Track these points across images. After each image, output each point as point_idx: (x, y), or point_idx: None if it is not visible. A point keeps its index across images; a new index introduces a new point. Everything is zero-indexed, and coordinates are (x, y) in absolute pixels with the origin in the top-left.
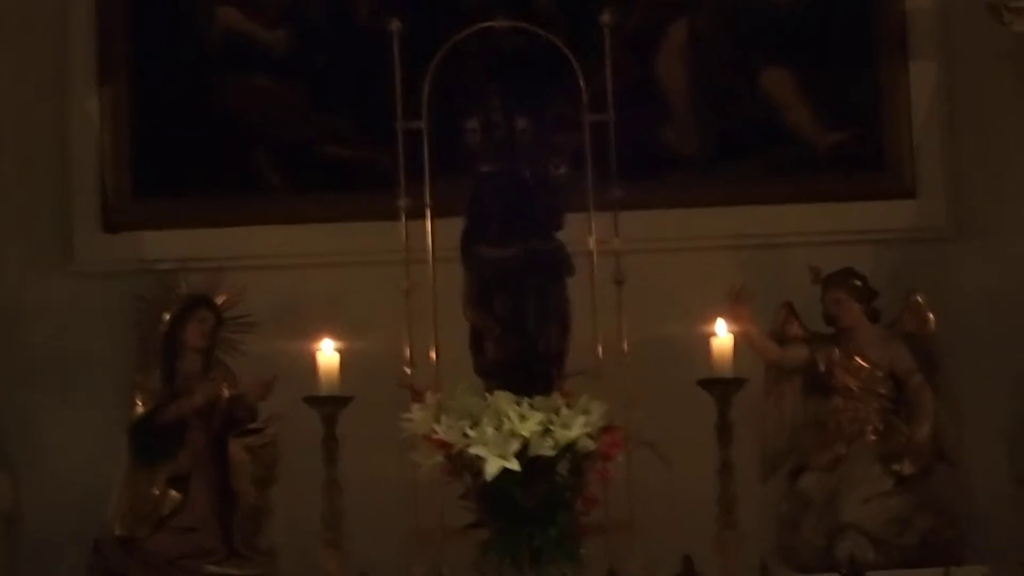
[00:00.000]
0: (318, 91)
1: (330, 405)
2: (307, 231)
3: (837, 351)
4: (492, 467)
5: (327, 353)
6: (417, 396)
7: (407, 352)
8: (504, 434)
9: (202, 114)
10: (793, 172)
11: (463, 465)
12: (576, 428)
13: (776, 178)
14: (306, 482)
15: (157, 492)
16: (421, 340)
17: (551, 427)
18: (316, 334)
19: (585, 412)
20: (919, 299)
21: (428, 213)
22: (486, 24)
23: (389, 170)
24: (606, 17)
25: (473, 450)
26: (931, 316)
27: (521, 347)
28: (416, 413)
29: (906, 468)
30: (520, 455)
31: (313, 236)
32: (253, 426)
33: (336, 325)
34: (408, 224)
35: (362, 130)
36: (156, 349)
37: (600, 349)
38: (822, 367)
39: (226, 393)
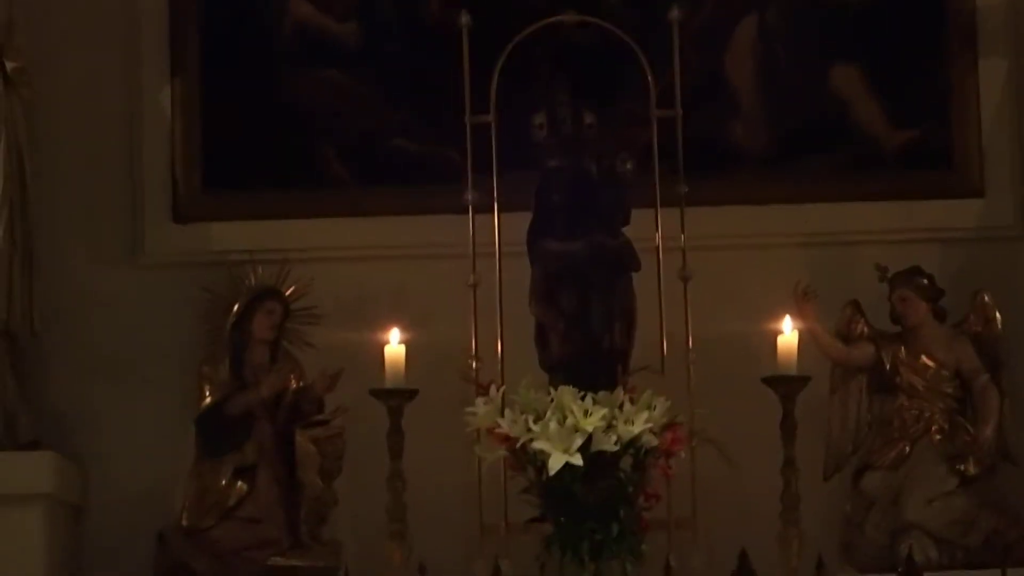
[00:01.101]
0: (387, 85)
1: (396, 398)
2: (373, 224)
3: (903, 350)
4: (555, 462)
5: (393, 345)
6: (481, 390)
7: (472, 346)
8: (567, 429)
9: (271, 107)
10: (861, 170)
11: (526, 460)
12: (639, 424)
13: (843, 175)
14: (371, 475)
15: (223, 483)
16: (486, 334)
17: (614, 423)
18: (382, 327)
19: (649, 408)
20: (986, 299)
21: (495, 207)
22: (555, 19)
23: (456, 164)
24: (674, 13)
25: (536, 445)
26: (998, 316)
27: (586, 342)
28: (480, 407)
29: (971, 468)
30: (583, 450)
31: (379, 229)
32: (319, 418)
33: (402, 318)
34: (475, 218)
35: (430, 124)
36: (224, 340)
37: (665, 345)
38: (888, 366)
39: (293, 385)
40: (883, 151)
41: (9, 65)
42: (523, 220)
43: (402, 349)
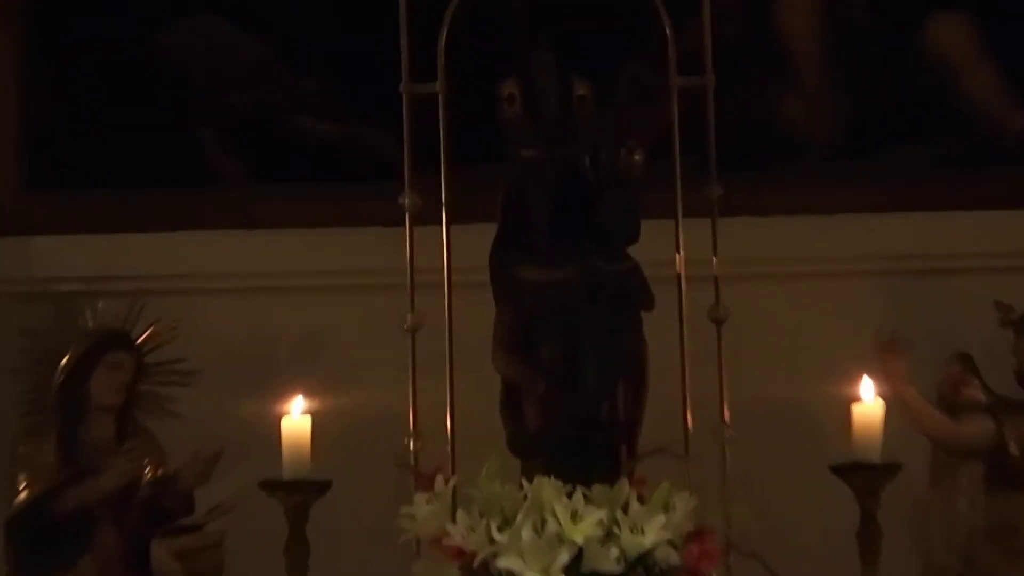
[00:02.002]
0: (291, 43)
1: (298, 493)
2: (271, 240)
3: None
4: None
5: (295, 417)
6: (423, 482)
7: (410, 417)
8: (548, 540)
9: (126, 74)
10: (969, 166)
11: None
12: (652, 532)
13: (944, 175)
14: None
15: None
16: (431, 400)
17: (616, 530)
18: (280, 390)
19: (666, 508)
20: None
21: (444, 216)
22: None
23: (390, 155)
24: None
25: (503, 562)
26: None
27: (575, 412)
28: (422, 506)
29: None
30: (571, 570)
31: (280, 247)
32: (187, 522)
33: (309, 377)
34: (415, 232)
35: (352, 97)
36: (50, 407)
37: (689, 417)
38: (1014, 449)
39: (150, 473)
40: (1001, 140)
41: None
42: (486, 235)
43: (307, 423)
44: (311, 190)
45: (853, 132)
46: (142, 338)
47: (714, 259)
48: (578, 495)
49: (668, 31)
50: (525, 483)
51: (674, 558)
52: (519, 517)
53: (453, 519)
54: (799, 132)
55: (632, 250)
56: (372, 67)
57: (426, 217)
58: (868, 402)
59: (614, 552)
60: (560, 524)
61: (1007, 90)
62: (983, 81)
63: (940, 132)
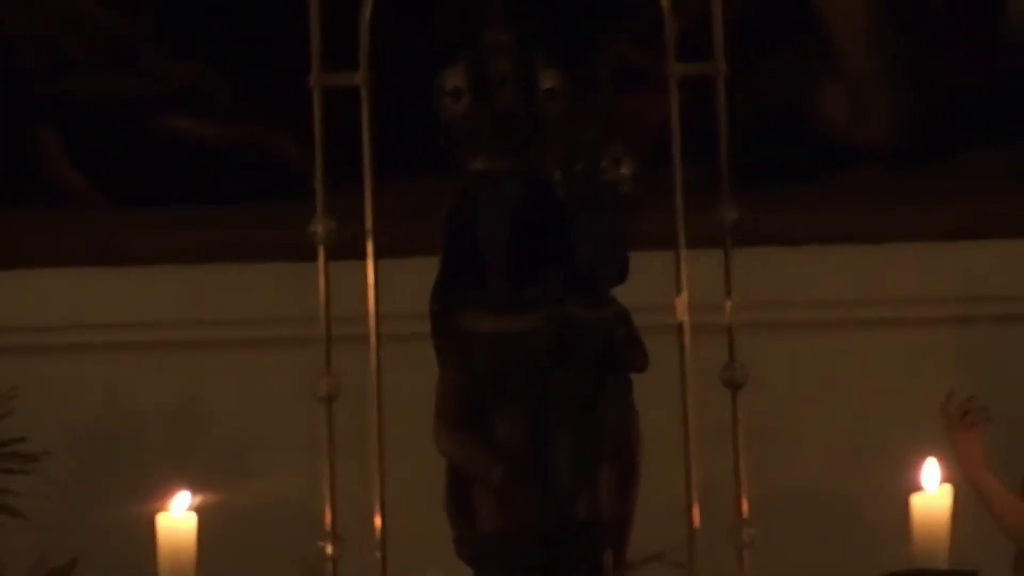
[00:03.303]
0: (164, 17)
1: None
2: (137, 280)
3: None
4: None
5: (176, 516)
6: None
7: (326, 515)
8: None
9: None
10: None
11: None
12: None
13: None
14: None
15: None
16: (352, 491)
17: None
18: (154, 477)
19: None
20: None
21: (370, 248)
22: None
23: (296, 167)
24: None
25: None
26: None
27: (544, 509)
28: None
29: None
30: None
31: (149, 290)
32: None
33: (192, 461)
34: (330, 268)
35: (245, 89)
36: None
37: (696, 513)
38: None
39: None
40: None
41: None
42: (425, 272)
43: (192, 522)
44: (190, 214)
45: (915, 133)
46: None
47: (728, 302)
48: None
49: (663, 2)
50: None
51: None
52: None
53: None
54: (843, 134)
55: (618, 292)
56: (271, 52)
57: (346, 249)
58: (932, 492)
59: None
60: None
61: None
62: None
63: None
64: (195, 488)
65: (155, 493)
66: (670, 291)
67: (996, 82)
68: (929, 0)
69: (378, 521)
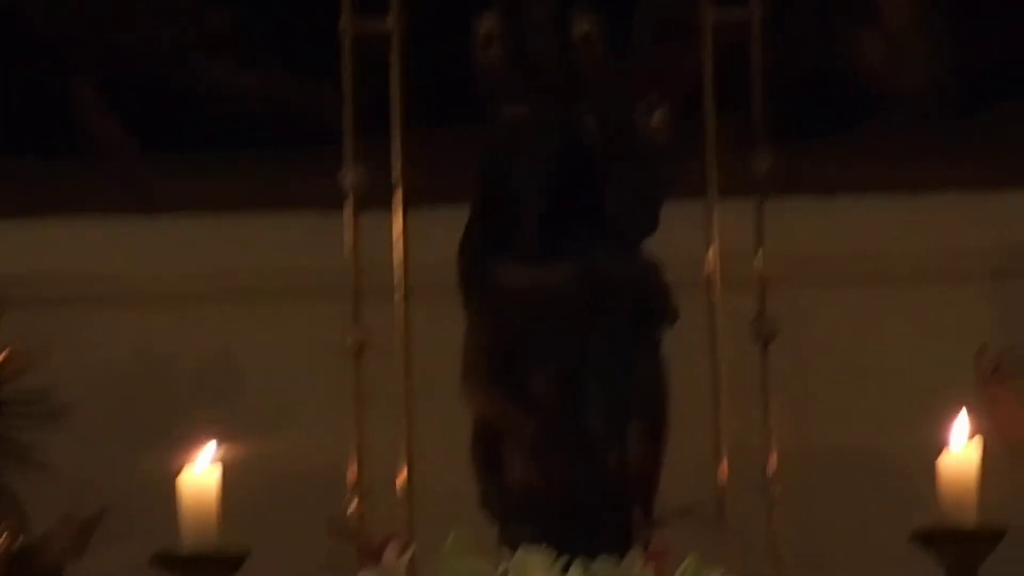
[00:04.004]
0: None
1: (203, 570)
2: (168, 229)
3: None
4: None
5: (199, 470)
6: (369, 555)
7: (352, 467)
8: None
9: None
10: None
11: None
12: None
13: None
14: None
15: None
16: (379, 445)
17: None
18: (181, 432)
19: None
20: None
21: (399, 197)
22: None
23: (327, 115)
24: None
25: None
26: None
27: (573, 460)
28: None
29: None
30: None
31: (180, 239)
32: None
33: (219, 414)
34: (360, 218)
35: (276, 38)
36: None
37: (725, 466)
38: None
39: (6, 543)
40: None
41: None
42: (453, 223)
43: (215, 476)
44: (223, 162)
45: (955, 82)
46: None
47: (759, 253)
48: (577, 570)
49: None
50: (507, 554)
51: None
52: None
53: None
54: (880, 83)
55: (650, 243)
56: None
57: (375, 198)
58: (961, 448)
59: None
60: None
61: None
62: None
63: None
64: (225, 440)
65: (185, 446)
66: (701, 243)
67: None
68: None
69: (404, 476)
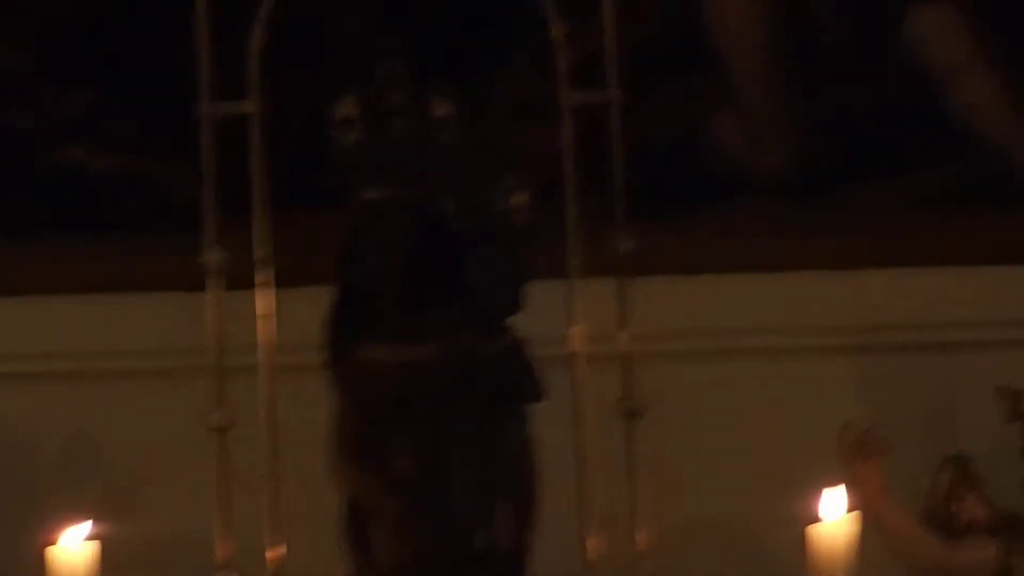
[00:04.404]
0: (54, 49)
1: None
2: (28, 310)
3: None
4: None
5: (72, 547)
6: None
7: (219, 550)
8: None
9: None
10: (966, 206)
11: None
12: None
13: (932, 218)
14: None
15: None
16: (248, 522)
17: None
18: (45, 511)
19: None
20: None
21: (259, 278)
22: None
23: (187, 196)
24: None
25: None
26: None
27: (441, 542)
28: None
29: None
30: None
31: (41, 320)
32: None
33: (83, 494)
34: (224, 298)
35: (136, 119)
36: None
37: (593, 545)
38: None
39: None
40: (1008, 172)
41: None
42: (317, 303)
43: (91, 552)
44: (82, 244)
45: (809, 164)
46: None
47: (623, 333)
48: None
49: (556, 29)
50: None
51: None
52: None
53: None
54: (738, 164)
55: (513, 322)
56: (161, 81)
57: (239, 279)
58: (832, 521)
59: None
60: None
61: (1013, 104)
62: (982, 93)
63: (926, 162)
64: (90, 519)
65: (48, 525)
66: (566, 322)
67: (889, 110)
68: (821, 35)
69: (271, 554)
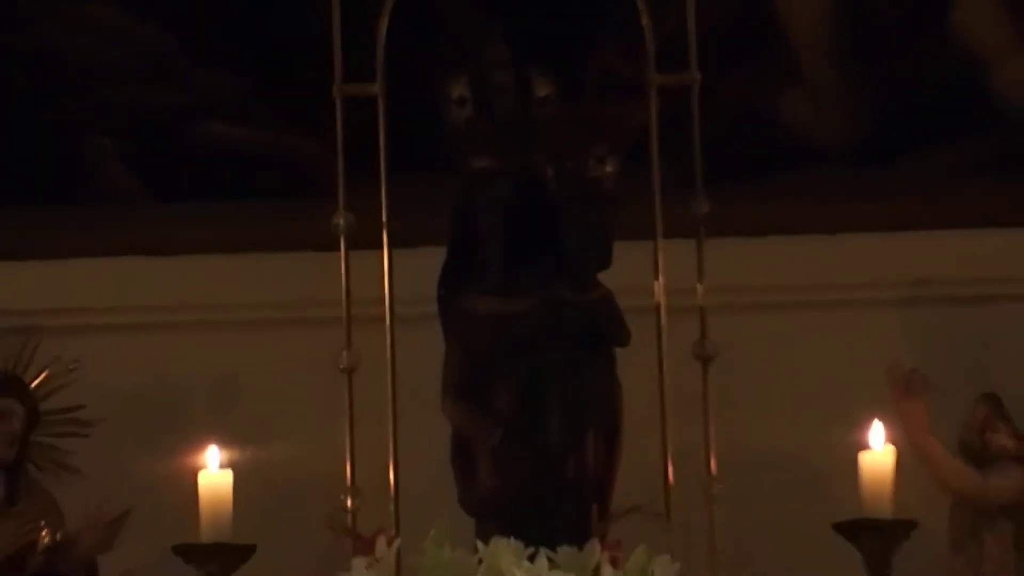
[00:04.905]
0: (202, 34)
1: (218, 558)
2: (180, 268)
3: None
4: None
5: (213, 472)
6: (362, 546)
7: (347, 471)
8: None
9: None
10: (1006, 174)
11: None
12: None
13: (977, 184)
14: None
15: None
16: (370, 452)
17: None
18: (196, 440)
19: (644, 575)
20: None
21: (385, 239)
22: None
23: (320, 167)
24: None
25: None
26: None
27: (537, 467)
28: (360, 574)
29: None
30: None
31: (191, 276)
32: None
33: (228, 426)
34: (351, 257)
35: (273, 97)
36: None
37: (671, 470)
38: None
39: (45, 538)
40: None
41: None
42: (433, 260)
43: (228, 478)
44: (226, 209)
45: (868, 134)
46: (35, 382)
47: (700, 286)
48: (541, 559)
49: (645, 19)
50: (480, 546)
51: None
52: None
53: None
54: (804, 135)
55: (603, 276)
56: (298, 63)
57: (363, 239)
58: (879, 451)
59: None
60: None
61: None
62: (1021, 73)
63: (973, 134)
64: (232, 450)
65: (197, 454)
66: (649, 276)
67: (941, 88)
68: (878, 11)
69: (392, 478)
